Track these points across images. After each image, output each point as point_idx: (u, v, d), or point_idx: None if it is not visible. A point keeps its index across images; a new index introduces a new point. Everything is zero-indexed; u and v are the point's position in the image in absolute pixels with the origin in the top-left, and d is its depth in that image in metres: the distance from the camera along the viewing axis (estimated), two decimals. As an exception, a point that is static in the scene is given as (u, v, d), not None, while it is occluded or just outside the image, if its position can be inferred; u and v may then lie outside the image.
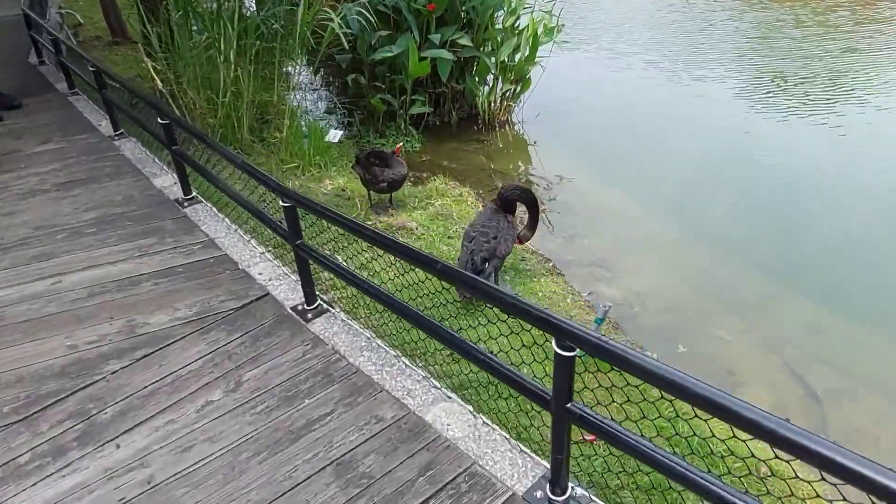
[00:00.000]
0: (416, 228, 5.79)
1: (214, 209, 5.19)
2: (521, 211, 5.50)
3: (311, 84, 9.62)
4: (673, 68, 10.97)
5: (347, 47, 7.04)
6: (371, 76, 7.99)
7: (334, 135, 6.95)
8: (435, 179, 6.90)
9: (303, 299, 3.88)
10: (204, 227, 4.86)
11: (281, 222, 3.67)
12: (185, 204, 5.24)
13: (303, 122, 6.66)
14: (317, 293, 3.91)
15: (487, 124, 8.84)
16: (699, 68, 10.92)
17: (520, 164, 7.95)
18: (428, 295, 3.90)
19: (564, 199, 7.01)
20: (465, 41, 7.72)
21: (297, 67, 7.01)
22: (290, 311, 3.84)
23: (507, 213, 4.94)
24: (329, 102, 9.28)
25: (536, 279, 5.30)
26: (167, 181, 5.73)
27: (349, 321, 3.79)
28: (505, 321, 4.23)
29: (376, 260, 4.64)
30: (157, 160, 6.20)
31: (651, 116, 9.24)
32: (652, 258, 6.05)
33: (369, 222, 5.85)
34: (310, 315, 3.77)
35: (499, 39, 8.15)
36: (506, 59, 8.28)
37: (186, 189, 5.24)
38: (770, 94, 9.76)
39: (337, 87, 9.93)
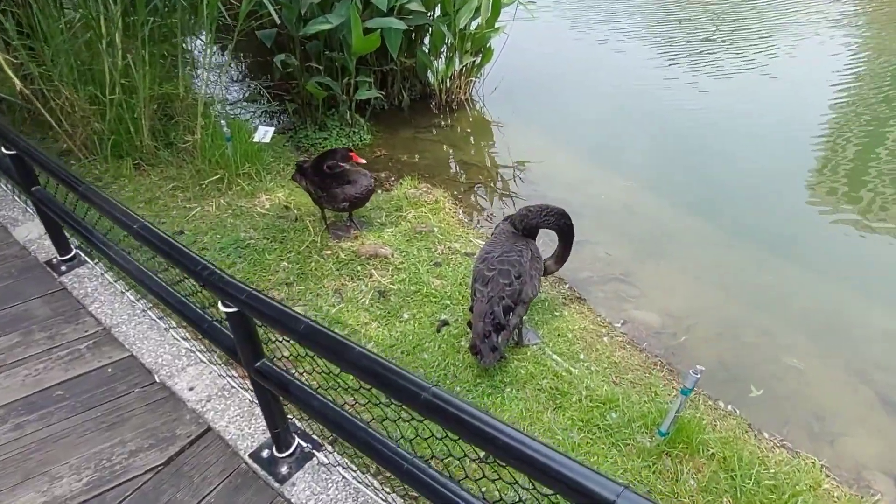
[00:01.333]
0: (392, 255, 4.44)
1: (108, 275, 3.62)
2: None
3: (228, 70, 7.87)
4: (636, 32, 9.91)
5: (278, 19, 5.45)
6: (303, 56, 6.42)
7: (264, 133, 5.41)
8: (401, 183, 5.53)
9: (267, 439, 2.47)
10: (94, 307, 3.28)
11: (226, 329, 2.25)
12: (63, 268, 3.61)
13: (222, 121, 5.10)
14: (292, 430, 2.52)
15: (444, 105, 7.47)
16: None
17: (487, 150, 6.67)
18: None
19: (549, 189, 5.84)
20: (415, 5, 6.28)
21: (208, 48, 5.40)
22: (248, 461, 2.42)
23: (527, 239, 3.69)
24: (253, 91, 7.61)
25: (558, 312, 4.10)
26: (34, 231, 4.04)
27: (356, 480, 2.39)
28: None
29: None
30: (17, 196, 4.48)
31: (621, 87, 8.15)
32: (677, 262, 4.97)
33: (328, 252, 4.45)
34: (283, 469, 2.37)
35: (454, 3, 6.75)
36: (464, 27, 6.90)
37: (62, 245, 3.61)
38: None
39: (262, 71, 8.24)
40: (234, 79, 8.12)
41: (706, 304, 4.59)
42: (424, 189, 5.39)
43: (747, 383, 3.89)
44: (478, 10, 6.78)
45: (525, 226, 3.68)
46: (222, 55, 7.50)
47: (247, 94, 7.51)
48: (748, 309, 4.58)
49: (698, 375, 2.81)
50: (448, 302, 4.01)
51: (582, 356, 3.71)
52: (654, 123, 7.17)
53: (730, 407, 3.61)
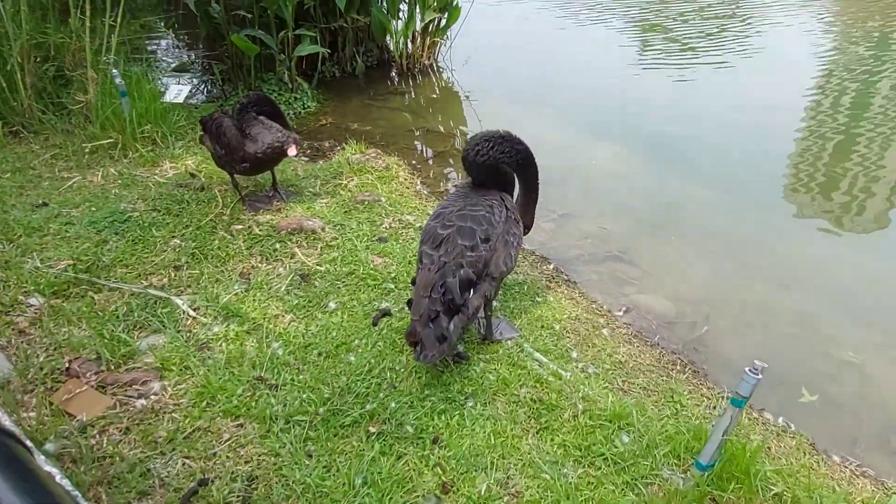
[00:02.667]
0: (324, 229, 3.39)
1: None
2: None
3: (135, 19, 6.74)
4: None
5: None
6: (230, 3, 5.36)
7: (177, 92, 4.36)
8: (343, 149, 4.49)
9: None
10: None
11: None
12: None
13: (114, 70, 4.03)
14: None
15: (406, 71, 6.46)
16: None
17: (453, 119, 5.66)
18: None
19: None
20: (365, -54, 5.28)
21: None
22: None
23: (502, 194, 2.66)
24: (174, 48, 6.52)
25: (541, 297, 3.08)
26: None
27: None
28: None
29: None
30: None
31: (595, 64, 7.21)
32: (684, 235, 4.00)
33: (238, 227, 3.38)
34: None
35: (412, -52, 5.77)
36: (425, -24, 5.93)
37: None
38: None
39: (182, 21, 7.16)
40: (165, 48, 7.02)
41: (725, 284, 3.62)
42: (373, 154, 4.35)
43: (795, 386, 2.89)
44: (441, -43, 5.81)
45: (475, 171, 2.60)
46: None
47: (175, 65, 6.42)
48: (777, 289, 3.60)
49: (759, 376, 1.81)
50: (391, 286, 2.97)
51: (574, 354, 2.70)
52: (642, 92, 6.23)
53: (781, 420, 2.60)
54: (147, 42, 6.68)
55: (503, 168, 2.68)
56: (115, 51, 4.59)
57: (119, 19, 4.47)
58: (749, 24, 7.90)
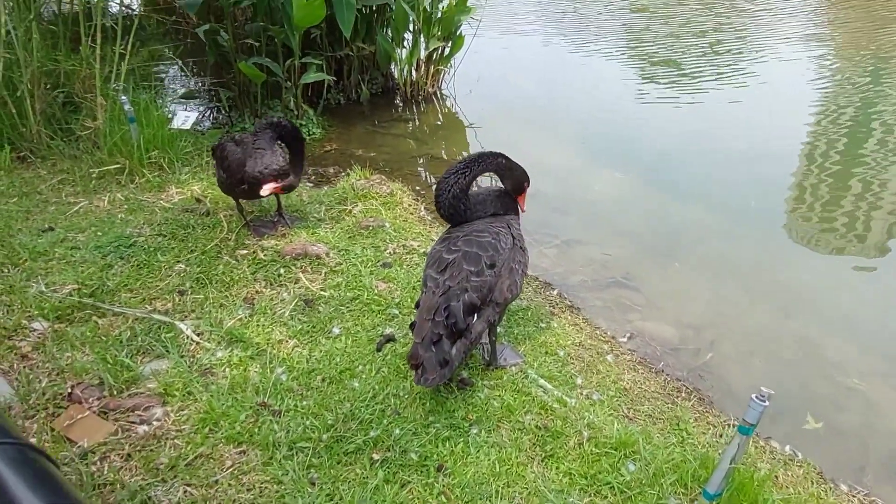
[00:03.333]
0: (328, 255, 3.40)
1: None
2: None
3: (144, 47, 6.84)
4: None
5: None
6: (238, 31, 5.46)
7: (184, 119, 4.44)
8: (348, 174, 4.53)
9: None
10: None
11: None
12: None
13: (123, 97, 4.08)
14: None
15: (410, 98, 6.54)
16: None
17: (458, 145, 5.71)
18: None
19: (532, 181, 4.87)
20: (371, -22, 5.40)
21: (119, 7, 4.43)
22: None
23: (509, 220, 2.68)
24: (183, 77, 6.61)
25: (545, 323, 3.07)
26: None
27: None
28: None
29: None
30: None
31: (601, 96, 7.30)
32: (687, 261, 4.01)
33: (243, 252, 3.40)
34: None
35: (417, -20, 5.89)
36: (429, 7, 6.04)
37: None
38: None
39: (190, 50, 7.25)
40: (173, 76, 7.13)
41: (729, 310, 3.61)
42: (377, 180, 4.38)
43: (801, 414, 2.87)
44: (445, -11, 5.93)
45: (452, 212, 2.61)
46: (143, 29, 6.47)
47: (183, 92, 6.51)
48: (781, 315, 3.60)
49: (766, 403, 1.80)
50: (396, 311, 2.96)
51: (579, 381, 2.68)
52: (643, 119, 6.29)
53: (788, 449, 2.58)
54: (155, 70, 6.78)
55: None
56: (125, 78, 4.66)
57: (129, 47, 4.54)
58: (753, 57, 8.00)
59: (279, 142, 3.47)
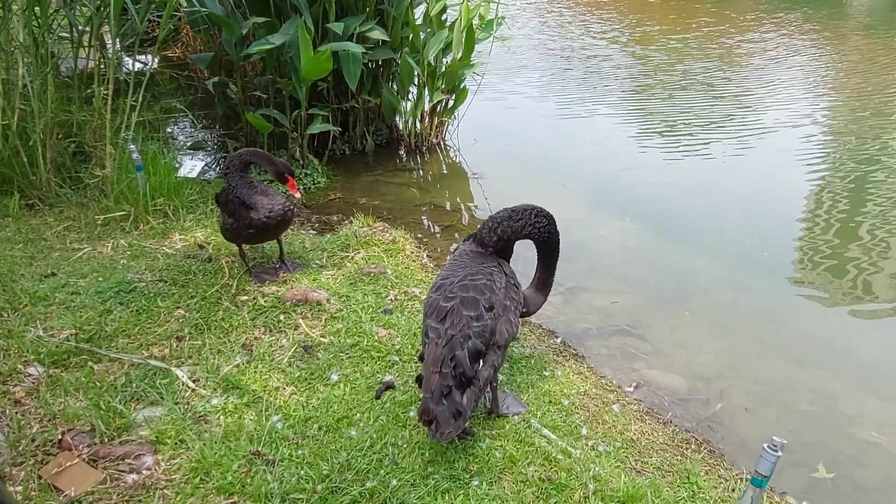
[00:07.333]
0: (329, 301, 3.37)
1: None
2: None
3: (155, 100, 6.99)
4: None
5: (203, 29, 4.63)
6: (247, 84, 5.60)
7: (190, 167, 4.48)
8: (351, 222, 4.54)
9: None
10: None
11: None
12: None
13: (131, 146, 4.15)
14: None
15: (414, 149, 6.63)
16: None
17: (461, 195, 5.75)
18: None
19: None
20: (377, 34, 5.56)
21: (112, 56, 4.55)
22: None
23: (499, 259, 2.67)
24: (197, 140, 6.74)
25: (548, 371, 3.00)
26: None
27: None
28: None
29: None
30: None
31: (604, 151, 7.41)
32: (695, 310, 3.96)
33: (243, 298, 3.38)
34: None
35: (422, 36, 6.07)
36: (433, 61, 6.19)
37: None
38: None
39: (200, 103, 7.43)
40: (182, 128, 7.28)
41: (739, 360, 3.54)
42: (380, 228, 4.39)
43: (814, 467, 2.76)
44: (449, 45, 6.09)
45: (500, 237, 2.64)
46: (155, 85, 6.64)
47: (190, 143, 6.63)
48: (793, 365, 3.52)
49: (778, 453, 1.72)
50: (396, 358, 2.91)
51: (584, 431, 2.60)
52: (651, 171, 6.34)
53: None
54: (166, 121, 6.95)
55: (529, 238, 2.72)
56: (134, 129, 4.76)
57: (140, 100, 4.65)
58: (756, 111, 8.12)
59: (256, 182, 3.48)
